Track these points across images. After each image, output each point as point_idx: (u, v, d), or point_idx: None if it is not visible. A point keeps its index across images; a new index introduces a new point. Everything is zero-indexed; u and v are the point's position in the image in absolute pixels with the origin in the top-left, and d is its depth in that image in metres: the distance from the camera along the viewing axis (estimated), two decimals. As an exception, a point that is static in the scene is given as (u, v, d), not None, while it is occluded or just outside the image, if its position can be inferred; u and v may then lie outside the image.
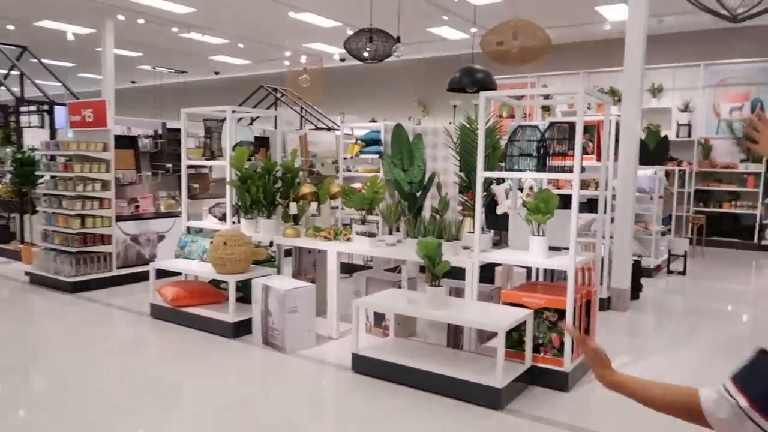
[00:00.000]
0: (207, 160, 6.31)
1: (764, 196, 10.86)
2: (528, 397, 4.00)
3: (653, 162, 8.91)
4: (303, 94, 11.48)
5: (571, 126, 4.13)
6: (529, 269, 5.66)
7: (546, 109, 12.33)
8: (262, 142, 8.92)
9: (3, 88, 9.48)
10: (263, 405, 4.06)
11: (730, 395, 1.24)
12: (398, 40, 7.24)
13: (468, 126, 4.90)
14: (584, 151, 6.48)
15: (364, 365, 4.37)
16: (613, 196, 6.40)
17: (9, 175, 8.45)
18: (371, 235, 5.05)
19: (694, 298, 7.54)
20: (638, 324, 6.10)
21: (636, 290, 6.83)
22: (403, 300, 4.37)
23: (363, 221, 5.22)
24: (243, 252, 5.27)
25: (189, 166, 7.67)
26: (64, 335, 5.53)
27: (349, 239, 5.25)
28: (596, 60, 12.08)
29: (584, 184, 7.19)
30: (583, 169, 6.59)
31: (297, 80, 11.20)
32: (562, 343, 4.09)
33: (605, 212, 6.16)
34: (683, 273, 8.50)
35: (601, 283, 6.32)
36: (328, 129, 12.11)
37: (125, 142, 7.34)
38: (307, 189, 5.54)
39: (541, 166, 4.31)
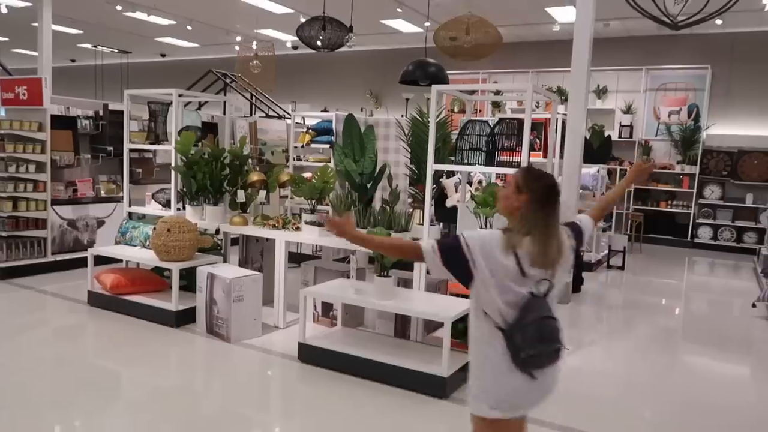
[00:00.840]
0: (151, 144, 6.10)
1: (698, 196, 11.40)
2: (472, 387, 4.07)
3: (597, 161, 9.21)
4: (254, 81, 11.25)
5: (520, 122, 4.21)
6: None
7: (496, 105, 12.53)
8: (210, 128, 8.70)
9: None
10: (205, 395, 3.98)
11: (433, 247, 2.21)
12: (351, 30, 7.19)
13: (419, 119, 4.93)
14: (531, 148, 6.65)
15: (310, 355, 4.34)
16: (558, 192, 6.56)
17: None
18: (320, 224, 5.01)
19: (632, 291, 7.85)
20: (579, 315, 6.31)
21: (577, 284, 7.05)
22: (351, 290, 4.37)
23: (312, 211, 5.18)
24: (188, 239, 5.14)
25: (132, 150, 7.42)
26: (-6, 323, 5.26)
27: (298, 228, 5.19)
28: (545, 59, 12.36)
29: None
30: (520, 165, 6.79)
31: (247, 66, 10.95)
32: (506, 334, 4.17)
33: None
34: (622, 268, 8.84)
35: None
36: (280, 117, 11.93)
37: (63, 122, 7.00)
38: (255, 177, 5.44)
39: (490, 161, 4.37)
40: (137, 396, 3.87)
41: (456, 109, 13.43)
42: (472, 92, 10.29)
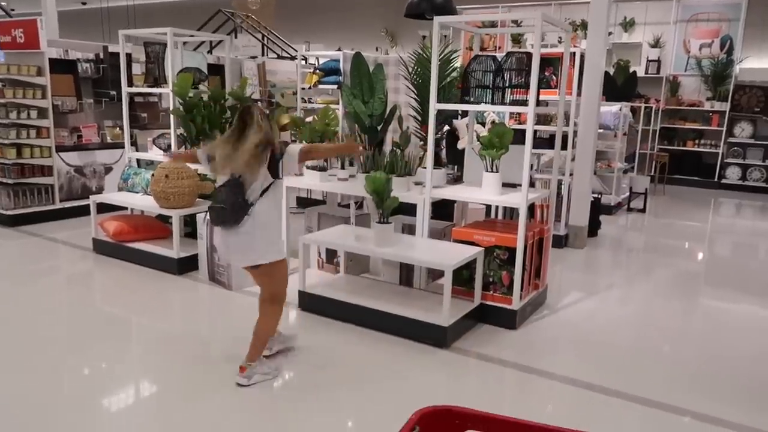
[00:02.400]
0: (150, 87, 5.90)
1: (727, 134, 10.88)
2: (475, 335, 3.95)
3: (621, 98, 8.75)
4: (254, 16, 10.83)
5: (530, 57, 3.89)
6: (488, 206, 5.55)
7: (516, 41, 11.96)
8: (217, 71, 8.43)
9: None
10: (207, 340, 3.94)
11: None
12: None
13: (424, 55, 4.62)
14: (547, 85, 6.30)
15: (310, 303, 4.25)
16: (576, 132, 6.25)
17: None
18: (322, 169, 4.82)
19: (652, 235, 7.59)
20: (594, 260, 6.11)
21: (594, 228, 6.82)
22: (352, 237, 4.22)
23: (314, 154, 4.97)
24: (187, 185, 5.01)
25: (136, 94, 7.26)
26: (1, 270, 5.27)
27: (300, 173, 5.02)
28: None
29: (547, 120, 7.03)
30: (542, 103, 6.44)
31: (244, 2, 10.53)
32: (511, 282, 4.02)
33: (564, 148, 6.04)
34: (643, 210, 8.54)
35: (558, 220, 6.27)
36: (292, 58, 11.57)
37: (63, 66, 6.82)
38: (283, 120, 5.23)
39: (498, 99, 4.09)
40: (143, 341, 3.84)
41: (474, 46, 12.90)
42: (489, 26, 9.77)
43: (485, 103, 4.11)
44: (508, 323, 4.06)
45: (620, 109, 8.02)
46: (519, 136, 4.17)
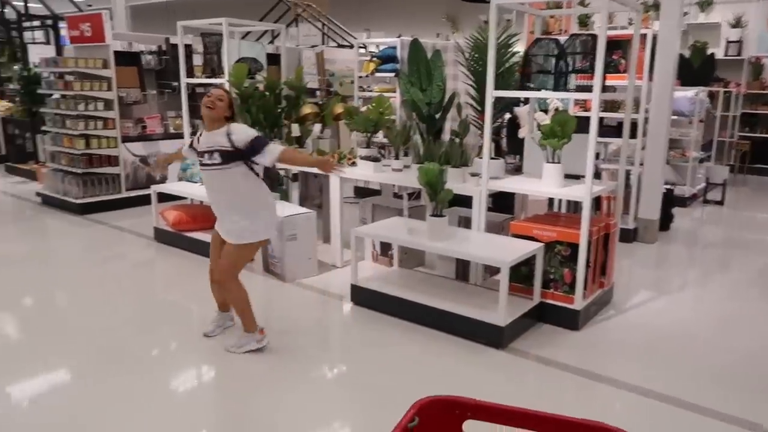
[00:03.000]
0: (207, 77, 5.95)
1: (818, 120, 10.01)
2: (534, 336, 3.75)
3: (697, 82, 8.17)
4: (312, 4, 10.79)
5: (595, 39, 3.62)
6: (551, 199, 5.30)
7: (583, 23, 11.41)
8: (278, 61, 8.43)
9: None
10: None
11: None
12: None
13: (481, 40, 4.41)
14: (616, 70, 5.92)
15: (362, 297, 4.16)
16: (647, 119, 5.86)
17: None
18: (375, 159, 4.71)
19: (730, 229, 7.07)
20: (665, 256, 5.73)
21: (666, 221, 6.40)
22: (404, 230, 4.09)
23: (368, 144, 4.87)
24: (242, 176, 5.00)
25: (198, 85, 7.36)
26: (69, 257, 5.47)
27: (353, 164, 4.93)
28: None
29: (615, 106, 6.62)
30: (609, 89, 6.06)
31: None
32: (574, 279, 3.78)
33: (634, 137, 5.67)
34: (721, 203, 7.98)
35: (627, 213, 5.92)
36: (352, 47, 11.50)
37: (127, 58, 6.99)
38: (308, 109, 5.18)
39: (561, 85, 3.84)
40: (197, 329, 3.85)
41: (539, 31, 12.40)
42: (554, 7, 9.31)
43: (546, 89, 3.87)
44: (569, 324, 3.83)
45: (696, 94, 7.49)
46: (584, 124, 3.91)
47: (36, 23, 8.95)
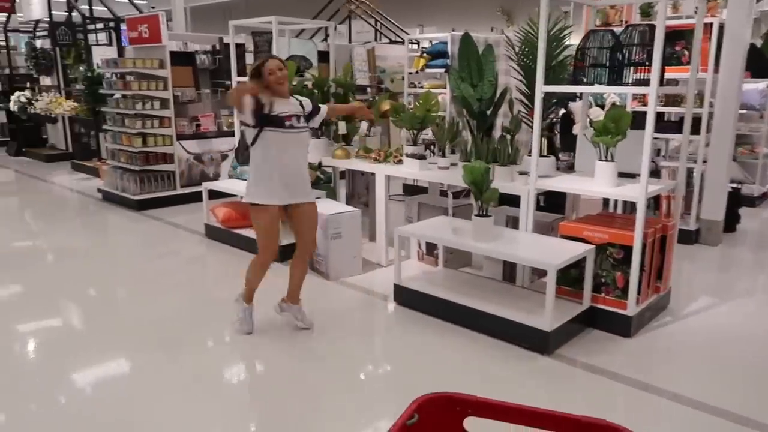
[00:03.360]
0: (258, 76, 6.00)
1: None
2: (583, 342, 3.59)
3: (768, 74, 7.67)
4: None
5: (653, 29, 3.41)
6: (606, 198, 5.08)
7: (645, 14, 10.91)
8: (327, 58, 8.47)
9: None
10: (284, 332, 3.86)
11: None
12: None
13: (532, 33, 4.25)
14: (678, 61, 5.61)
15: (405, 297, 4.10)
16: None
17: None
18: (421, 157, 4.63)
19: (804, 231, 6.59)
20: (731, 260, 5.39)
21: (732, 222, 6.03)
22: (449, 229, 3.99)
23: (414, 142, 4.80)
24: (288, 174, 5.03)
25: (242, 83, 7.47)
26: (126, 252, 5.66)
27: (399, 161, 4.87)
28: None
29: (677, 101, 6.29)
30: (670, 82, 5.74)
31: None
32: (626, 284, 3.60)
33: (697, 132, 5.37)
34: (794, 202, 7.46)
35: (688, 213, 5.61)
36: (404, 42, 11.43)
37: (183, 58, 7.17)
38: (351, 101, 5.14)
39: (616, 78, 3.65)
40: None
41: (598, 22, 11.95)
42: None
43: (600, 83, 3.68)
44: (622, 330, 3.64)
45: (768, 87, 7.02)
46: (643, 120, 3.69)
47: (99, 26, 9.32)
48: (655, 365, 3.38)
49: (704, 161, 5.58)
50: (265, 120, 3.35)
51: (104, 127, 7.37)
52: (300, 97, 3.66)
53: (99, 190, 7.57)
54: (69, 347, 3.61)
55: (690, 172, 5.62)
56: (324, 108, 3.84)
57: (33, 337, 3.80)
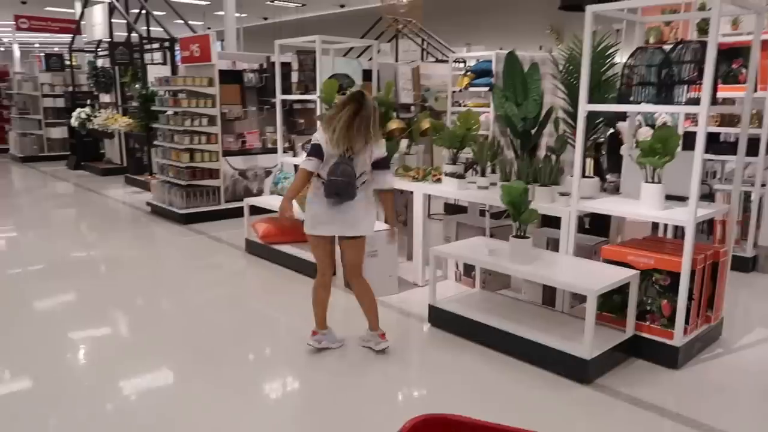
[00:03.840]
0: (301, 94, 6.09)
1: None
2: (626, 372, 3.41)
3: (837, 93, 7.24)
4: (405, 15, 10.82)
5: (705, 46, 3.26)
6: (655, 222, 4.87)
7: (703, 31, 10.55)
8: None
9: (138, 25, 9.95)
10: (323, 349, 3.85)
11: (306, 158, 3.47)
12: None
13: (576, 51, 4.14)
14: (735, 80, 5.36)
15: (440, 318, 4.01)
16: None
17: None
18: (460, 176, 4.55)
19: None
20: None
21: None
22: (485, 250, 3.89)
23: (454, 161, 4.73)
24: (327, 191, 5.04)
25: (296, 101, 7.59)
26: (169, 265, 5.78)
27: (438, 180, 4.80)
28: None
29: (735, 121, 6.00)
30: (727, 101, 5.47)
31: (394, 6, 10.53)
32: (673, 312, 3.41)
33: (756, 154, 5.09)
34: None
35: (745, 239, 5.32)
36: (448, 61, 11.41)
37: (231, 76, 7.34)
38: (394, 125, 5.12)
39: (665, 97, 3.50)
40: (288, 343, 3.91)
41: (652, 40, 11.62)
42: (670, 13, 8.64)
43: (647, 102, 3.54)
44: (668, 361, 3.45)
45: (836, 107, 6.61)
46: (695, 140, 3.52)
47: (155, 45, 9.68)
48: (704, 400, 3.18)
49: (762, 185, 5.29)
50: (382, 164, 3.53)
51: (155, 142, 7.60)
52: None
53: (148, 204, 7.79)
54: (116, 355, 3.70)
55: (747, 196, 5.34)
56: (386, 177, 3.60)
57: (83, 344, 3.94)
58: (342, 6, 18.57)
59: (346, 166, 3.34)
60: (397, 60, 12.48)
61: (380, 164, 3.50)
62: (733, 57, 5.51)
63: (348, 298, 4.37)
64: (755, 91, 5.09)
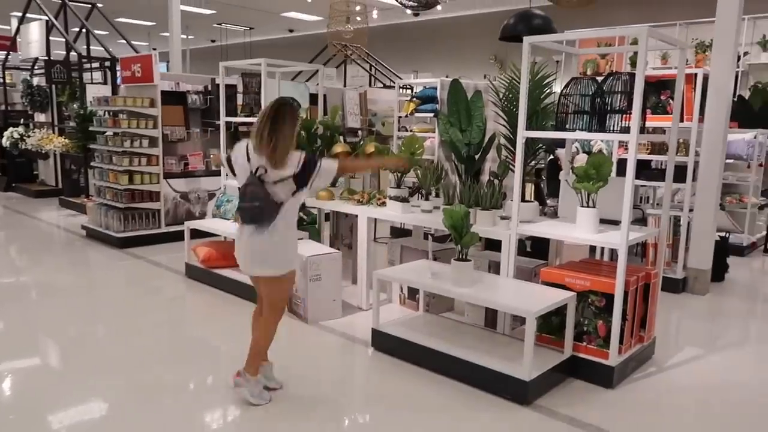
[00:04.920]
0: (246, 116, 6.03)
1: None
2: (564, 393, 3.47)
3: (757, 124, 7.75)
4: (350, 41, 10.97)
5: (633, 78, 3.43)
6: (593, 245, 5.02)
7: (635, 64, 11.13)
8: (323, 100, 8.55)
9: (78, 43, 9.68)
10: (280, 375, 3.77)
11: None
12: None
13: (515, 80, 4.28)
14: (663, 110, 5.66)
15: (383, 342, 3.99)
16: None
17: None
18: (404, 200, 4.59)
19: (794, 282, 6.53)
20: (718, 310, 5.31)
21: (720, 271, 5.97)
22: (428, 273, 3.92)
23: (398, 184, 4.77)
24: (271, 214, 4.98)
25: (241, 123, 7.51)
26: (105, 291, 5.54)
27: (383, 204, 4.82)
28: (701, 10, 10.68)
29: (665, 149, 6.31)
30: (657, 130, 5.76)
31: (339, 32, 10.67)
32: (609, 333, 3.51)
33: (683, 181, 5.37)
34: (784, 252, 7.43)
35: (676, 262, 5.56)
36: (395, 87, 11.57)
37: (174, 98, 7.21)
38: (339, 148, 5.12)
39: (597, 125, 3.65)
40: (229, 370, 3.77)
41: (589, 71, 12.15)
42: (605, 46, 9.07)
43: (582, 130, 3.68)
44: (604, 381, 3.53)
45: (755, 137, 7.08)
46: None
47: (95, 65, 9.43)
48: (638, 417, 3.26)
49: (691, 209, 5.56)
50: (306, 178, 3.09)
51: (92, 163, 7.35)
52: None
53: (83, 227, 7.49)
54: (45, 387, 3.48)
55: (677, 221, 5.60)
56: (332, 167, 3.22)
57: (9, 375, 3.67)
58: (291, 30, 18.62)
59: (254, 187, 2.98)
60: (345, 85, 12.59)
61: (306, 169, 3.06)
62: (661, 89, 5.82)
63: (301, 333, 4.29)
64: (681, 121, 5.39)
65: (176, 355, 4.03)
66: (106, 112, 7.12)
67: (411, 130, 7.83)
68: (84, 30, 9.61)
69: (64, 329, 4.47)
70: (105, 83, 9.48)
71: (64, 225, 8.31)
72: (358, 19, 11.06)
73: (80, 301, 5.18)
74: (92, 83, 9.81)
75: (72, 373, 3.74)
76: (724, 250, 6.03)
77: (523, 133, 3.77)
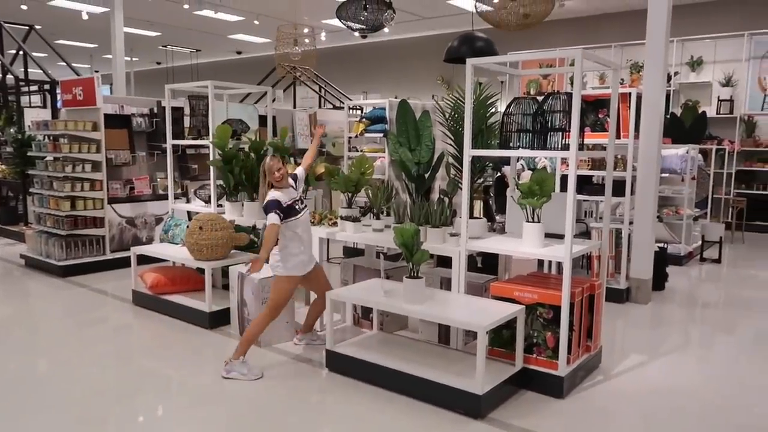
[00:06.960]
0: (193, 139, 5.96)
1: (814, 177, 9.95)
2: (516, 404, 3.54)
3: (689, 140, 8.19)
4: (299, 63, 11.03)
5: (571, 98, 3.58)
6: (541, 259, 5.15)
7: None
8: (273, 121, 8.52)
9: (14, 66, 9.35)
10: (215, 403, 3.69)
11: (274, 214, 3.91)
12: (390, 6, 6.59)
13: (460, 100, 4.40)
14: (601, 128, 5.91)
15: (338, 363, 3.98)
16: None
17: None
18: (355, 219, 4.62)
19: (729, 288, 6.87)
20: (660, 317, 5.53)
21: (660, 280, 6.23)
22: (381, 292, 3.94)
23: (349, 204, 4.80)
24: (220, 237, 4.93)
25: (189, 146, 7.41)
26: (45, 322, 5.31)
27: (335, 224, 4.84)
28: (632, 32, 11.25)
29: (601, 165, 6.58)
30: (596, 147, 6.01)
31: (287, 55, 10.73)
32: (557, 344, 3.60)
33: (623, 194, 5.60)
34: (718, 261, 7.81)
35: (619, 273, 5.77)
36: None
37: (118, 121, 7.06)
38: (290, 170, 5.11)
39: (540, 143, 3.79)
40: (180, 400, 3.66)
41: (532, 92, 12.56)
42: (546, 67, 9.39)
43: (525, 147, 3.81)
44: (554, 391, 3.62)
45: (687, 152, 7.46)
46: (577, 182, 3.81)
47: (34, 88, 9.14)
48: (589, 425, 3.35)
49: (631, 222, 5.80)
50: (284, 213, 3.93)
51: (31, 190, 7.08)
52: (293, 182, 4.17)
53: (22, 256, 7.19)
54: (-32, 428, 3.29)
55: (619, 233, 5.82)
56: (300, 171, 4.34)
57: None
58: (239, 53, 18.52)
59: None
60: (294, 106, 12.59)
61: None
62: (599, 107, 6.09)
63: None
64: (618, 138, 5.65)
65: (124, 387, 3.88)
66: (46, 137, 6.91)
67: (361, 151, 7.89)
68: (21, 52, 9.30)
69: (3, 365, 4.25)
70: (44, 107, 9.18)
71: (1, 254, 7.94)
72: (306, 41, 11.11)
73: (19, 334, 4.95)
74: (30, 107, 9.49)
75: (12, 411, 3.54)
76: (663, 260, 6.30)
77: (469, 152, 3.87)
